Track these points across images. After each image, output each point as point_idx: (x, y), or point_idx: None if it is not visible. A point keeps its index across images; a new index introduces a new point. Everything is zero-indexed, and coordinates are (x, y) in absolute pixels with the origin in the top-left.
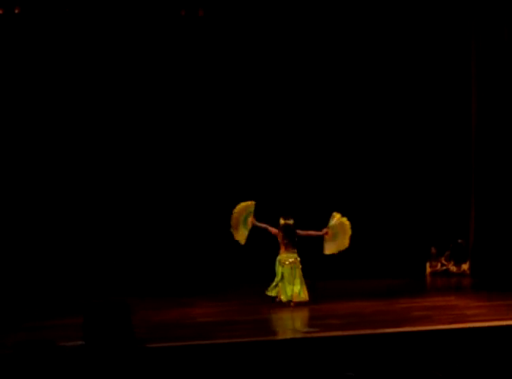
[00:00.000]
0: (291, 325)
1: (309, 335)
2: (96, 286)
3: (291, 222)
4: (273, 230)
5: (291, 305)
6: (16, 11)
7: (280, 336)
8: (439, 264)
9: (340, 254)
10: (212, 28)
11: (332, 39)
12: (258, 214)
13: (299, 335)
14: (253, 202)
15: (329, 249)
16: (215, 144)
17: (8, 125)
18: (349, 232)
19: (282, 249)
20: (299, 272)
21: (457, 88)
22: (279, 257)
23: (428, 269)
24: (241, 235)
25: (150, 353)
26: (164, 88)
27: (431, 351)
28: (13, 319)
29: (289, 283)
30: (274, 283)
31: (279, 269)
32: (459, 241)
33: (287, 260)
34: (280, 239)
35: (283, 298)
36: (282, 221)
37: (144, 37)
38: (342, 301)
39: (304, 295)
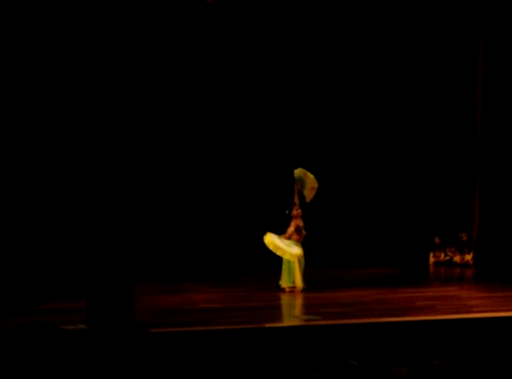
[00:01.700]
0: (294, 312)
1: (311, 323)
2: (99, 270)
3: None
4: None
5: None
6: None
7: (283, 323)
8: (442, 255)
9: (344, 243)
10: (220, 16)
11: (343, 37)
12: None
13: (301, 323)
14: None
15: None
16: (212, 137)
17: (8, 123)
18: (311, 177)
19: (297, 238)
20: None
21: (464, 83)
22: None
23: (431, 259)
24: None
25: (152, 338)
26: (169, 81)
27: (433, 341)
28: (14, 302)
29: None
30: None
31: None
32: (460, 234)
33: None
34: (299, 229)
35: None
36: (299, 211)
37: (150, 23)
38: (345, 289)
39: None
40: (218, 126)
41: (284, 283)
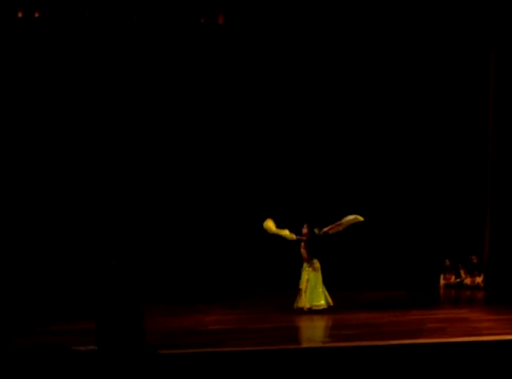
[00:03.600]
0: (305, 335)
1: (324, 345)
2: (109, 292)
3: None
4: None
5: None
6: (36, 15)
7: (293, 346)
8: (453, 277)
9: (355, 265)
10: (231, 36)
11: (365, 50)
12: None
13: (311, 345)
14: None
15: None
16: (230, 158)
17: (15, 124)
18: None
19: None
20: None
21: (475, 104)
22: None
23: (442, 281)
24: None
25: (161, 359)
26: (180, 93)
27: (444, 363)
28: (25, 323)
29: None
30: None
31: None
32: (470, 257)
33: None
34: None
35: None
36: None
37: (162, 42)
38: (357, 311)
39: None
40: (231, 139)
41: (308, 303)
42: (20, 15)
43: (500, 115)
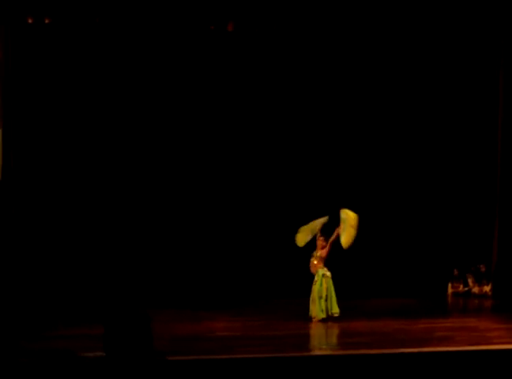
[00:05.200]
0: (314, 342)
1: (332, 353)
2: (117, 297)
3: None
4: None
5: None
6: (47, 21)
7: (302, 353)
8: (461, 286)
9: (364, 273)
10: (240, 43)
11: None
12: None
13: (320, 353)
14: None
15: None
16: (236, 165)
17: (25, 129)
18: (354, 222)
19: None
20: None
21: (484, 110)
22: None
23: (450, 290)
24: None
25: (169, 366)
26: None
27: (452, 372)
28: (33, 328)
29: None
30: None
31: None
32: (478, 266)
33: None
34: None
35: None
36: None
37: (172, 48)
38: (364, 319)
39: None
40: (239, 145)
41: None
42: (30, 21)
43: (510, 122)
